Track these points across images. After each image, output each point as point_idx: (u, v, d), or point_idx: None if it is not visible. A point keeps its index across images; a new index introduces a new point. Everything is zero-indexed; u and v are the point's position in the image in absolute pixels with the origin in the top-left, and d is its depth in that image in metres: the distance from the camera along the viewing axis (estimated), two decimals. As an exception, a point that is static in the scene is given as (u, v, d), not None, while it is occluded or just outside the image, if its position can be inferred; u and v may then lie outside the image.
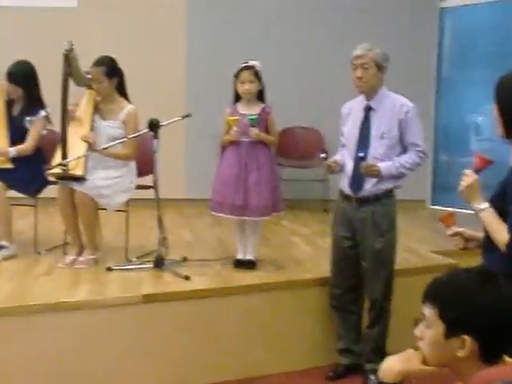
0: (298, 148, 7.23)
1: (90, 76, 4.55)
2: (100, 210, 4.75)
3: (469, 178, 2.69)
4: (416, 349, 1.89)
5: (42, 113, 4.83)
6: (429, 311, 1.81)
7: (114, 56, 4.65)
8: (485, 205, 2.65)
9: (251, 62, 4.45)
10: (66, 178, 4.44)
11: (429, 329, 1.82)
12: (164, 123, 4.40)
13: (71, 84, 4.53)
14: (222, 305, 4.11)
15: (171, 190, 6.45)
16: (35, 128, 4.80)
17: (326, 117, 6.24)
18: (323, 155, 4.17)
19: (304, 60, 7.23)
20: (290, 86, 7.09)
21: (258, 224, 4.58)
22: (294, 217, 6.52)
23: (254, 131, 4.37)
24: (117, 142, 4.48)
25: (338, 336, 4.25)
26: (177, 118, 4.51)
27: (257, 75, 4.42)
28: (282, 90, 6.68)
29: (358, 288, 4.14)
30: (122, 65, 4.69)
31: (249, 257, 4.58)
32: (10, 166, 4.69)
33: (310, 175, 7.04)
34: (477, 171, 2.72)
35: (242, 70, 4.42)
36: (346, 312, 4.19)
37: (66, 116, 4.45)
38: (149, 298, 3.92)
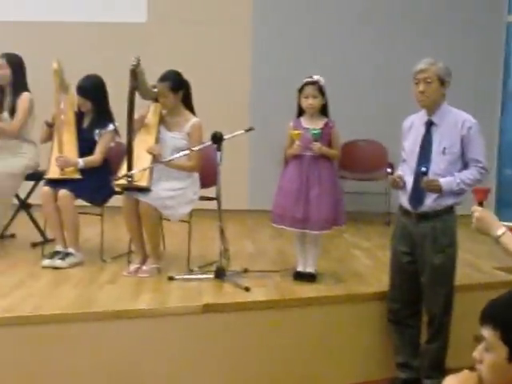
0: (362, 161, 7.23)
1: (156, 90, 4.68)
2: (164, 220, 4.87)
3: (476, 212, 2.68)
4: (472, 370, 1.85)
5: (111, 126, 4.98)
6: (489, 334, 1.76)
7: (180, 69, 4.77)
8: (501, 230, 2.62)
9: (315, 77, 4.49)
10: (131, 188, 4.56)
11: (489, 352, 1.76)
12: (227, 136, 4.49)
13: (139, 97, 4.67)
14: (280, 317, 4.14)
15: (234, 201, 6.55)
16: (103, 140, 4.96)
17: (389, 130, 6.22)
18: (389, 170, 4.18)
19: (368, 73, 7.24)
20: (354, 98, 7.11)
21: (319, 237, 4.60)
22: (356, 230, 6.52)
23: (317, 145, 4.41)
24: (181, 153, 4.59)
25: (396, 350, 4.24)
26: (240, 132, 4.59)
27: (320, 90, 4.47)
28: (346, 103, 6.71)
29: (417, 302, 4.11)
30: (188, 78, 4.80)
31: (309, 269, 4.61)
32: (78, 176, 4.85)
33: (373, 188, 7.03)
34: (480, 203, 2.75)
35: (305, 84, 4.47)
36: (404, 326, 4.17)
37: (131, 128, 4.58)
38: (208, 308, 3.98)
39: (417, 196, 3.92)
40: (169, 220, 4.80)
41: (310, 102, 4.46)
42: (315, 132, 4.41)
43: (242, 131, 4.60)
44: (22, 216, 5.59)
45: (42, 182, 5.11)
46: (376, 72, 7.23)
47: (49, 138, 5.02)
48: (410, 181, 3.96)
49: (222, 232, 4.51)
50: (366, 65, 7.24)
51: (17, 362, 3.64)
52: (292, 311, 4.19)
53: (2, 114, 5.31)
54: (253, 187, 7.17)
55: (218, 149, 4.45)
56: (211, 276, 4.48)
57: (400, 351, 4.22)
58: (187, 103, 4.80)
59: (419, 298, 4.08)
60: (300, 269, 4.63)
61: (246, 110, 7.02)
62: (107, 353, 3.79)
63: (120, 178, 4.57)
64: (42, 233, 5.38)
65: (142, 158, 4.60)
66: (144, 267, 4.64)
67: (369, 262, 5.27)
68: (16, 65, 5.34)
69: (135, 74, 4.56)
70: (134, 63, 4.54)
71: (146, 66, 4.61)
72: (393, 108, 6.70)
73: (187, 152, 4.59)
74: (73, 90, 5.00)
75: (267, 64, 7.17)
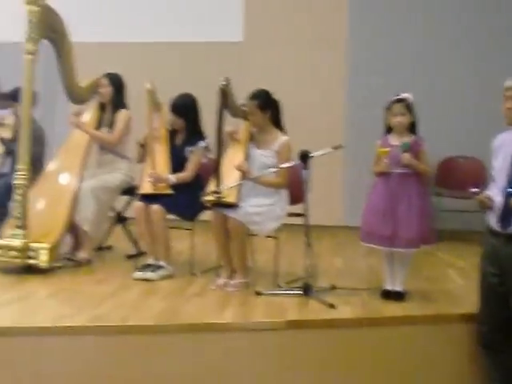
0: (459, 178, 7.08)
1: (245, 108, 4.78)
2: (253, 236, 4.94)
3: None
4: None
5: (202, 143, 5.12)
6: None
7: (274, 88, 4.85)
8: None
9: (403, 95, 4.46)
10: (220, 204, 4.66)
11: None
12: (315, 154, 4.52)
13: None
14: (364, 335, 4.11)
15: (329, 217, 6.57)
16: (195, 158, 5.10)
17: (488, 146, 6.08)
18: (474, 190, 4.07)
19: (468, 90, 7.10)
20: (452, 115, 6.99)
21: (408, 255, 4.54)
22: (452, 248, 6.37)
23: (406, 156, 4.37)
24: (269, 170, 4.66)
25: (488, 377, 4.11)
26: (328, 149, 4.61)
27: (408, 108, 4.44)
28: (444, 119, 6.61)
29: (509, 326, 3.99)
30: (281, 96, 4.87)
31: (397, 288, 4.56)
32: (170, 192, 5.00)
33: (470, 206, 6.84)
34: None
35: (394, 102, 4.45)
36: (496, 351, 4.04)
37: (221, 146, 4.69)
38: (292, 324, 4.00)
39: (505, 217, 3.82)
40: (257, 235, 4.87)
41: (399, 119, 4.43)
42: (405, 143, 4.38)
43: (331, 149, 4.62)
44: (119, 229, 5.81)
45: (136, 197, 5.30)
46: (475, 89, 7.08)
47: (143, 158, 5.22)
48: (499, 201, 3.86)
49: (308, 248, 4.53)
50: (463, 81, 7.11)
51: (102, 370, 3.77)
52: (377, 330, 4.14)
53: (102, 129, 5.57)
54: (348, 203, 7.16)
55: (305, 167, 4.49)
56: (298, 292, 4.51)
57: (492, 378, 4.09)
58: (276, 121, 4.87)
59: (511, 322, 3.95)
60: (388, 287, 4.59)
61: (341, 127, 7.03)
62: (191, 365, 3.87)
63: (209, 194, 4.68)
64: (136, 245, 5.58)
65: (230, 175, 4.70)
66: (232, 281, 4.72)
67: (462, 282, 5.16)
68: (117, 84, 5.58)
69: (225, 93, 4.67)
70: (224, 82, 4.66)
71: (240, 85, 4.71)
72: (491, 124, 6.53)
73: (275, 169, 4.66)
74: (166, 108, 5.17)
75: (361, 84, 7.16)
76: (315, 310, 4.25)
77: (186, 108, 5.14)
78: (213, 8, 7.39)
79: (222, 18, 7.33)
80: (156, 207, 4.90)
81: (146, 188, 5.05)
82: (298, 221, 4.82)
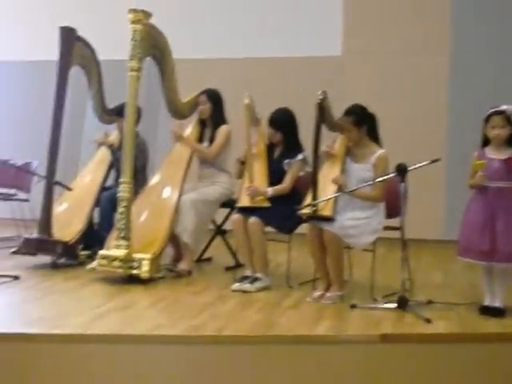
0: None
1: (341, 123, 4.81)
2: (349, 249, 4.94)
3: None
4: None
5: (300, 156, 5.19)
6: None
7: (372, 100, 4.87)
8: None
9: (503, 107, 4.38)
10: (316, 217, 4.70)
11: None
12: (412, 167, 4.50)
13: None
14: (460, 351, 4.03)
15: (429, 231, 6.48)
16: (292, 170, 5.17)
17: None
18: None
19: None
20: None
21: (508, 270, 4.44)
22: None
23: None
24: (366, 184, 4.67)
25: None
26: (425, 163, 4.57)
27: (508, 120, 4.36)
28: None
29: None
30: (379, 109, 4.88)
31: (496, 304, 4.46)
32: (267, 204, 5.09)
33: None
34: None
35: (492, 114, 4.38)
36: None
37: (317, 159, 4.73)
38: (386, 338, 3.97)
39: None
40: (353, 248, 4.88)
41: (497, 131, 4.36)
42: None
43: (428, 162, 4.57)
44: (218, 241, 5.95)
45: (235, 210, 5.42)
46: None
47: (242, 174, 5.33)
48: None
49: (404, 262, 4.50)
50: None
51: (198, 380, 3.86)
52: (474, 346, 4.06)
53: (202, 144, 5.73)
54: (449, 217, 7.02)
55: (402, 180, 4.48)
56: (394, 306, 4.48)
57: None
58: (373, 135, 4.87)
59: None
60: (487, 303, 4.49)
61: (442, 139, 6.93)
62: (285, 376, 3.90)
63: (305, 207, 4.73)
64: (235, 257, 5.70)
65: (327, 188, 4.73)
66: (327, 294, 4.74)
67: None
68: (216, 100, 5.73)
69: (322, 108, 4.73)
70: (321, 97, 4.71)
71: (338, 99, 4.75)
72: None
73: (371, 183, 4.66)
74: (264, 122, 5.27)
75: (463, 97, 7.04)
76: (410, 324, 4.21)
77: (283, 122, 5.23)
78: (311, 22, 7.45)
79: (320, 32, 7.38)
80: (254, 220, 5.00)
81: (245, 201, 5.16)
82: (396, 234, 4.80)
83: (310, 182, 4.79)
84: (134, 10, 5.14)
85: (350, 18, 7.22)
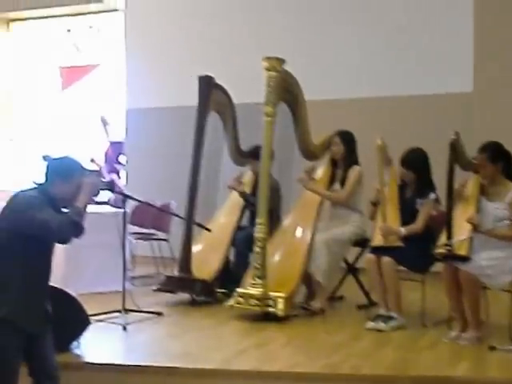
0: None
1: (475, 161, 4.79)
2: (486, 289, 4.87)
3: None
4: None
5: (432, 195, 5.19)
6: None
7: (506, 137, 4.83)
8: None
9: None
10: (451, 257, 4.67)
11: None
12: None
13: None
14: None
15: None
16: (425, 209, 5.17)
17: None
18: None
19: None
20: None
21: None
22: None
23: None
24: (502, 223, 4.61)
25: None
26: None
27: None
28: None
29: None
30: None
31: None
32: (400, 244, 5.11)
33: None
34: None
35: None
36: None
37: (451, 198, 4.73)
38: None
39: None
40: (489, 289, 4.80)
41: None
42: None
43: None
44: (350, 279, 6.00)
45: (367, 249, 5.48)
46: None
47: (374, 215, 5.38)
48: None
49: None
50: None
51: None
52: None
53: (334, 185, 5.84)
54: None
55: (540, 218, 4.40)
56: (534, 348, 4.38)
57: None
58: (508, 173, 4.81)
59: None
60: None
61: None
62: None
63: (440, 247, 4.72)
64: (368, 296, 5.73)
65: (461, 228, 4.70)
66: (464, 335, 4.68)
67: None
68: (348, 141, 5.84)
69: (455, 147, 4.74)
70: (454, 137, 4.73)
71: (470, 136, 4.73)
72: None
73: (508, 222, 4.60)
74: (396, 162, 5.32)
75: None
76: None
77: (416, 161, 5.25)
78: (440, 59, 7.43)
79: (450, 69, 7.34)
80: (387, 259, 5.03)
81: (378, 240, 5.20)
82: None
83: (444, 222, 4.78)
84: (268, 58, 5.35)
85: (480, 52, 7.12)
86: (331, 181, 5.92)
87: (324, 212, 5.87)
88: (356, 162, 5.81)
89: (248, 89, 6.53)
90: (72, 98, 9.47)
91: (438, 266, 4.95)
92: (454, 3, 7.41)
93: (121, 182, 8.83)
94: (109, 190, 4.25)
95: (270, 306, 5.22)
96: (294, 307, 5.44)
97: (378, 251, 5.14)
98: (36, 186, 3.43)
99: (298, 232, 5.76)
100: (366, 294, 5.81)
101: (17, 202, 3.35)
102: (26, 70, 9.79)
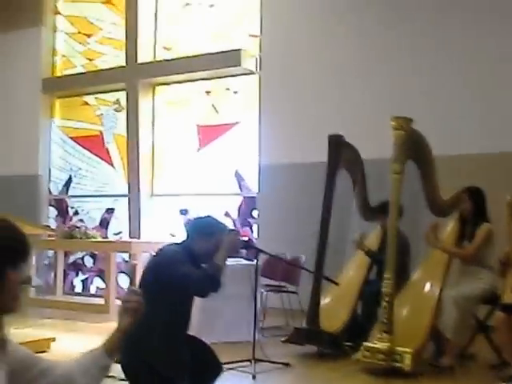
0: None
1: None
2: None
3: None
4: None
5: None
6: None
7: None
8: None
9: None
10: None
11: None
12: None
13: None
14: None
15: None
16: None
17: None
18: None
19: None
20: None
21: None
22: None
23: None
24: None
25: None
26: None
27: None
28: None
29: None
30: None
31: None
32: (532, 303, 5.02)
33: None
34: None
35: None
36: None
37: None
38: None
39: None
40: None
41: None
42: None
43: None
44: (481, 337, 5.90)
45: (498, 306, 5.39)
46: None
47: (505, 273, 5.32)
48: None
49: None
50: None
51: None
52: None
53: (463, 242, 5.82)
54: None
55: None
56: None
57: None
58: None
59: None
60: None
61: None
62: None
63: None
64: (500, 355, 5.61)
65: None
66: None
67: None
68: (477, 198, 5.82)
69: None
70: None
71: None
72: None
73: None
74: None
75: None
76: None
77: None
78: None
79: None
80: (517, 318, 4.96)
81: (508, 298, 5.13)
82: None
83: None
84: (396, 118, 5.49)
85: None
86: (461, 238, 5.91)
87: (453, 267, 5.85)
88: (486, 220, 5.77)
89: (377, 145, 6.66)
90: (209, 155, 9.90)
91: None
92: None
93: (253, 236, 9.11)
94: (246, 248, 4.45)
95: (396, 360, 5.24)
96: (422, 363, 5.43)
97: (509, 309, 5.06)
98: (180, 242, 3.72)
99: (427, 288, 5.77)
100: (498, 352, 5.69)
101: (162, 255, 3.65)
102: (166, 129, 10.34)
